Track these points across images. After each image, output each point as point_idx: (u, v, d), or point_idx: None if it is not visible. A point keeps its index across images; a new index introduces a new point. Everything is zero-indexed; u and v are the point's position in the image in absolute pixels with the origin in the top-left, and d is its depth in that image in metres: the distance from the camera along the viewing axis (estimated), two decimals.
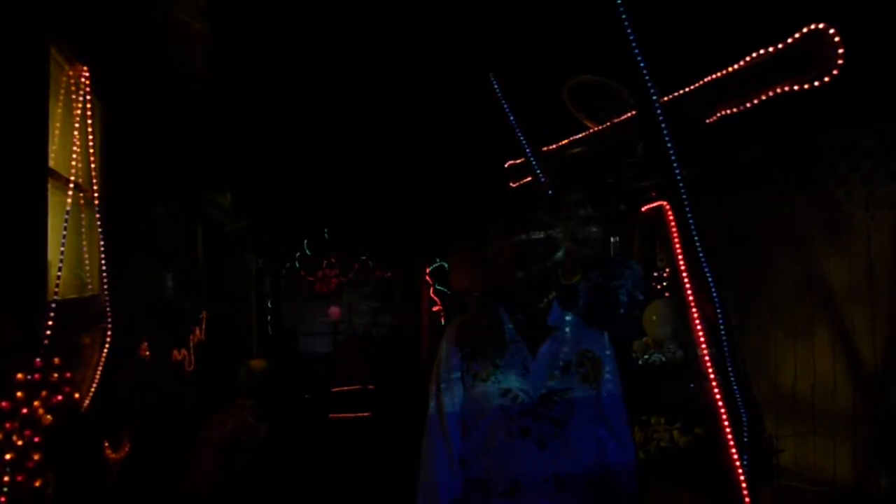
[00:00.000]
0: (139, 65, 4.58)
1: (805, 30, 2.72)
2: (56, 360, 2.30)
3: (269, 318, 11.49)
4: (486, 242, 1.89)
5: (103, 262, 3.57)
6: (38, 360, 2.22)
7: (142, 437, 4.06)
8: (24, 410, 2.07)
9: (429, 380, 1.92)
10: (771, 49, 2.87)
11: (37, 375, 2.16)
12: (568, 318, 1.88)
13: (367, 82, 6.90)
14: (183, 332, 5.82)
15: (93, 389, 3.29)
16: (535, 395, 1.76)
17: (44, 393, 2.16)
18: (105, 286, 3.55)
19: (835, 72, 2.62)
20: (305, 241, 12.02)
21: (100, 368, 3.44)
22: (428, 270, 10.94)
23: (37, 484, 2.05)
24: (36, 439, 2.07)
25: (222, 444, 3.56)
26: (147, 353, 4.59)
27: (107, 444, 3.41)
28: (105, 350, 3.53)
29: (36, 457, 2.07)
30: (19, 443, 2.03)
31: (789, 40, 2.80)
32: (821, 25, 2.67)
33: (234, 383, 3.89)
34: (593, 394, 1.81)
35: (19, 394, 2.07)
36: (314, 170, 8.86)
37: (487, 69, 4.77)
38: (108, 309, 3.58)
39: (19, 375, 2.10)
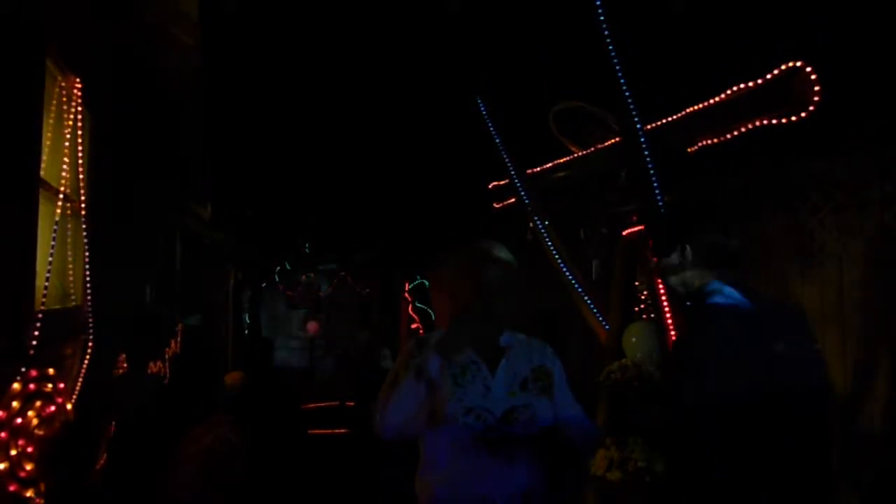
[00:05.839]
0: (129, 77, 4.58)
1: (783, 67, 2.86)
2: (51, 370, 2.29)
3: (246, 331, 11.38)
4: (446, 270, 1.96)
5: (87, 273, 3.54)
6: (34, 370, 2.21)
7: (117, 449, 4.01)
8: (19, 420, 2.06)
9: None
10: (751, 84, 3.01)
11: (32, 386, 2.15)
12: (517, 338, 1.99)
13: (351, 97, 6.95)
14: (160, 345, 5.76)
15: (73, 401, 3.25)
16: (497, 412, 1.83)
17: (38, 403, 2.15)
18: (88, 298, 3.53)
19: (811, 108, 2.75)
20: (286, 259, 11.96)
21: (80, 380, 3.40)
22: (408, 287, 10.94)
23: (28, 494, 2.04)
24: (29, 449, 2.06)
25: (200, 459, 3.53)
26: (125, 365, 4.54)
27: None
28: (86, 362, 3.50)
29: (28, 467, 2.05)
30: (13, 452, 2.02)
31: (768, 76, 2.93)
32: (798, 63, 2.80)
33: (213, 397, 3.86)
34: (550, 403, 1.93)
35: (15, 403, 2.06)
36: (295, 183, 8.86)
37: (474, 90, 4.87)
38: (90, 320, 3.55)
39: (15, 386, 2.09)
